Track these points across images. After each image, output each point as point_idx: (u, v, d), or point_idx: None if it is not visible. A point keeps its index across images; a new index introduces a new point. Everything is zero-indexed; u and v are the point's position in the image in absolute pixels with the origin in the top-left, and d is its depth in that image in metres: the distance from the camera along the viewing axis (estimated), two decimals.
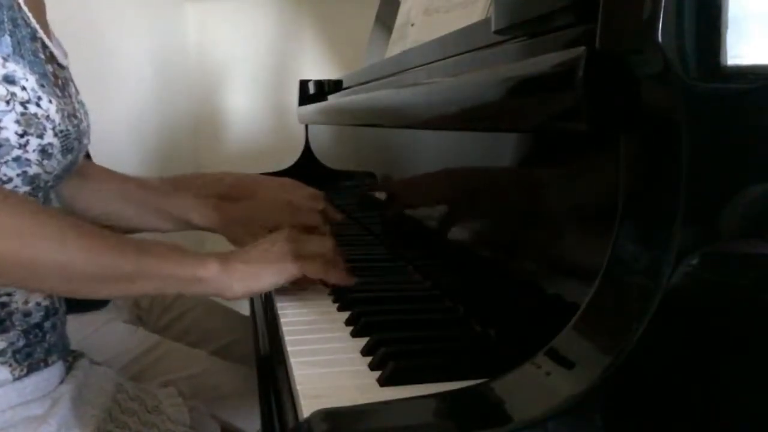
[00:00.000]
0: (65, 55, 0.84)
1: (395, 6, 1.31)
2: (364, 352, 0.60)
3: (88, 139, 0.83)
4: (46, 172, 0.74)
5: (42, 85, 0.72)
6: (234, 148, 2.31)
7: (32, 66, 0.73)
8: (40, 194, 0.77)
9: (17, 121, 0.70)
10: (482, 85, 0.54)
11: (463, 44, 0.71)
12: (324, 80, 1.62)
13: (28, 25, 0.75)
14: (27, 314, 0.76)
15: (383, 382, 0.52)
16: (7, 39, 0.71)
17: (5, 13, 0.72)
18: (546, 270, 0.53)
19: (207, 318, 1.28)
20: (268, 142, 2.28)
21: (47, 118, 0.72)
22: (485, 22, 0.68)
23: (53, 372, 0.79)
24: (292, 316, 0.72)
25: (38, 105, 0.71)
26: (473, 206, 0.69)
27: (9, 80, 0.69)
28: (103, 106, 1.82)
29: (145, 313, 1.25)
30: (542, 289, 0.53)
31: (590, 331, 0.40)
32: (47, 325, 0.79)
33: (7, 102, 0.69)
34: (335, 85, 1.54)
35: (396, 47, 1.21)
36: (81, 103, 0.83)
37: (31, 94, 0.71)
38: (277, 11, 2.26)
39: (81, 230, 0.68)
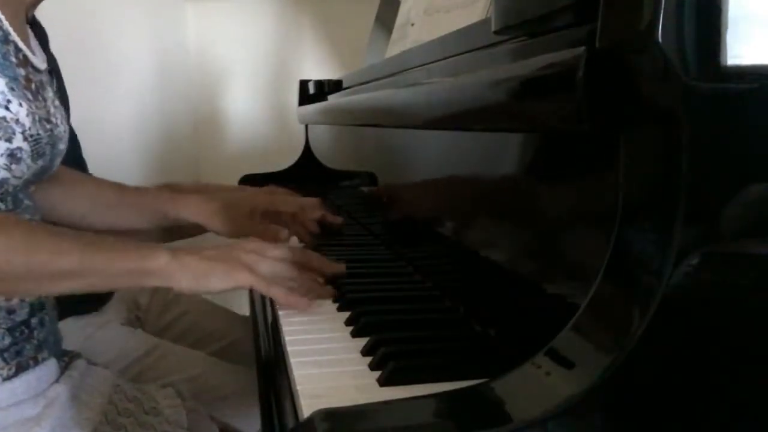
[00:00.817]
0: (44, 59, 0.83)
1: (395, 6, 1.31)
2: (364, 352, 0.60)
3: (65, 144, 0.82)
4: (14, 176, 0.73)
5: (12, 89, 0.72)
6: (234, 148, 2.31)
7: (2, 69, 0.72)
8: (9, 198, 0.76)
9: None
10: (482, 85, 0.54)
11: (463, 44, 0.71)
12: (324, 80, 1.62)
13: (0, 28, 0.74)
14: (11, 311, 0.75)
15: (383, 382, 0.52)
16: None
17: None
18: (546, 270, 0.53)
19: (206, 318, 1.28)
20: (268, 142, 2.28)
21: (16, 121, 0.71)
22: (485, 22, 0.68)
23: (45, 371, 0.78)
24: (292, 316, 0.72)
25: (7, 108, 0.71)
26: (473, 206, 0.69)
27: None
28: (103, 106, 1.82)
29: (144, 313, 1.25)
30: (542, 289, 0.53)
31: (590, 331, 0.40)
32: (34, 321, 0.78)
33: None
34: (335, 85, 1.54)
35: (396, 47, 1.21)
36: (58, 107, 0.82)
37: (0, 97, 0.70)
38: (277, 11, 2.27)
39: (22, 230, 0.67)
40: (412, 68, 0.90)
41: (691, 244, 0.37)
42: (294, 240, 1.04)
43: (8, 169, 0.72)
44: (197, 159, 2.32)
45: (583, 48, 0.40)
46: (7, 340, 0.75)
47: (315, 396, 0.51)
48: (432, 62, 0.80)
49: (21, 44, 0.77)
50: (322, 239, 1.05)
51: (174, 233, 1.05)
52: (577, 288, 0.46)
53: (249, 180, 1.60)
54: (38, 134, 0.74)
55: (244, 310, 1.23)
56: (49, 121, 0.77)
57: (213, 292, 0.71)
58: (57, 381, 0.79)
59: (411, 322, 0.67)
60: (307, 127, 1.68)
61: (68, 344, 0.90)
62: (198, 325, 1.26)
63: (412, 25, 1.14)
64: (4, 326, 0.75)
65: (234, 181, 1.62)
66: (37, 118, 0.74)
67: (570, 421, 0.38)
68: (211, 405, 1.00)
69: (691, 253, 0.37)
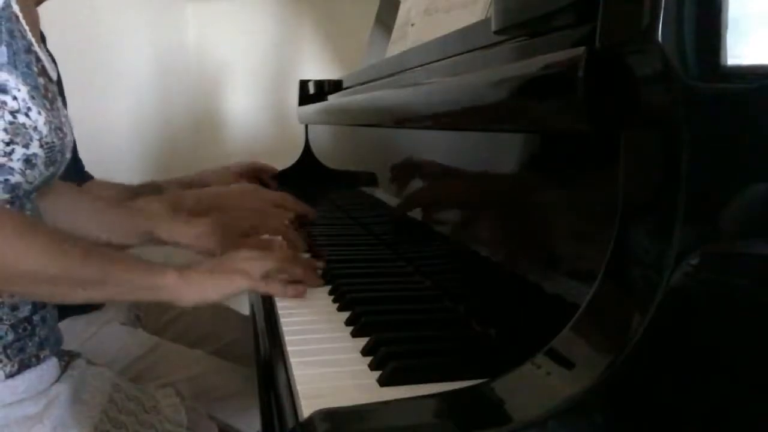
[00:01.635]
0: (54, 69, 0.85)
1: (395, 6, 1.31)
2: (364, 352, 0.60)
3: (71, 153, 0.84)
4: (27, 181, 0.76)
5: (33, 97, 0.74)
6: (234, 148, 2.31)
7: (25, 77, 0.74)
8: (16, 202, 0.78)
9: (5, 129, 0.71)
10: (482, 85, 0.54)
11: (463, 44, 0.71)
12: (324, 80, 1.62)
13: (24, 37, 0.77)
14: (14, 308, 0.77)
15: (383, 382, 0.52)
16: (3, 49, 0.73)
17: (3, 24, 0.73)
18: (546, 270, 0.53)
19: (206, 318, 1.28)
20: (268, 142, 2.28)
21: (35, 129, 0.73)
22: (485, 22, 0.68)
23: (46, 370, 0.79)
24: (292, 316, 0.72)
25: (27, 115, 0.73)
26: (473, 206, 0.69)
27: (1, 89, 0.71)
28: (103, 106, 1.83)
29: (144, 313, 1.25)
30: (542, 289, 0.53)
31: (590, 331, 0.40)
32: (36, 318, 0.79)
33: None
34: (335, 85, 1.54)
35: (396, 47, 1.21)
36: (66, 117, 0.84)
37: (21, 104, 0.72)
38: (277, 11, 2.26)
39: (54, 236, 0.73)
40: (412, 68, 0.89)
41: (691, 244, 0.37)
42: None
43: (23, 174, 0.74)
44: (197, 159, 2.31)
45: (583, 48, 0.40)
46: (11, 336, 0.76)
47: (315, 396, 0.51)
48: (432, 62, 0.80)
49: (41, 54, 0.80)
50: (323, 240, 1.05)
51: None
52: (577, 288, 0.46)
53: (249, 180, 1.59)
54: (53, 142, 0.76)
55: (245, 309, 1.23)
56: (61, 130, 0.79)
57: (216, 302, 0.79)
58: (58, 380, 0.80)
59: (411, 322, 0.67)
60: (307, 127, 1.68)
61: (68, 344, 0.91)
62: (197, 324, 1.26)
63: (412, 25, 1.14)
64: (7, 322, 0.76)
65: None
66: (53, 126, 0.76)
67: (570, 421, 0.38)
68: (210, 404, 1.00)
69: (691, 253, 0.37)
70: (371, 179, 1.12)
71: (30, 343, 0.78)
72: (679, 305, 0.37)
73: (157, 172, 2.06)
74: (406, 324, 0.66)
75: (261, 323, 0.82)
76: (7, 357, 0.75)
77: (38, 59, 0.80)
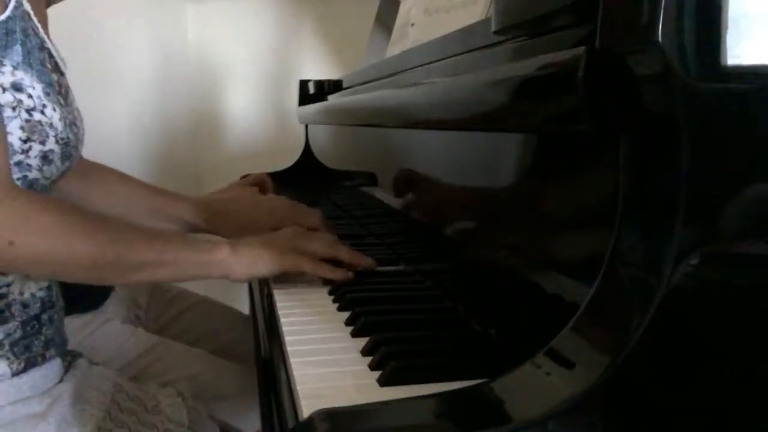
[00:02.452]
0: (64, 63, 0.86)
1: (395, 6, 1.31)
2: (364, 352, 0.59)
3: (83, 145, 0.85)
4: (44, 177, 0.76)
5: (47, 94, 0.75)
6: (234, 148, 2.31)
7: (39, 75, 0.75)
8: None
9: (21, 128, 0.72)
10: (482, 85, 0.54)
11: (463, 44, 0.71)
12: (324, 80, 1.62)
13: (36, 35, 0.78)
14: (25, 305, 0.78)
15: (383, 382, 0.52)
16: (18, 48, 0.74)
17: (17, 23, 0.74)
18: (546, 270, 0.53)
19: (207, 317, 1.28)
20: (268, 142, 2.28)
21: (50, 125, 0.74)
22: (485, 22, 0.68)
23: (51, 369, 0.79)
24: (292, 316, 0.72)
25: (43, 113, 0.74)
26: (473, 206, 0.69)
27: (17, 87, 0.72)
28: (103, 105, 1.82)
29: (144, 312, 1.25)
30: (542, 289, 0.53)
31: (590, 331, 0.40)
32: (44, 317, 0.80)
33: (14, 108, 0.71)
34: (335, 85, 1.54)
35: (396, 47, 1.21)
36: (78, 110, 0.85)
37: (36, 101, 0.73)
38: (277, 11, 2.26)
39: (108, 224, 0.75)
40: (412, 68, 0.89)
41: (691, 244, 0.37)
42: None
43: (40, 170, 0.75)
44: (197, 159, 2.32)
45: (583, 48, 0.40)
46: (19, 333, 0.77)
47: (315, 396, 0.51)
48: (432, 62, 0.80)
49: (54, 51, 0.81)
50: None
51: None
52: (577, 288, 0.46)
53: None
54: (68, 137, 0.77)
55: (245, 309, 1.23)
56: (75, 124, 0.80)
57: (265, 277, 0.80)
58: (62, 380, 0.81)
59: (411, 322, 0.67)
60: (307, 127, 1.68)
61: (68, 340, 0.91)
62: (198, 323, 1.26)
63: (412, 25, 1.14)
64: (18, 319, 0.77)
65: (234, 181, 1.62)
66: (67, 122, 0.77)
67: (570, 421, 0.38)
68: (210, 404, 1.00)
69: (691, 253, 0.37)
70: (371, 179, 1.12)
71: (36, 342, 0.78)
72: (679, 305, 0.37)
73: (157, 172, 2.07)
74: (406, 324, 0.66)
75: (261, 323, 0.82)
76: (14, 355, 0.76)
77: (51, 56, 0.80)
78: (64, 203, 0.75)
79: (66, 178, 0.85)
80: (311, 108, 1.52)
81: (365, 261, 0.83)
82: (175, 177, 2.15)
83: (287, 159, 1.66)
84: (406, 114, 0.78)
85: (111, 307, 1.15)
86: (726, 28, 0.36)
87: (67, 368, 0.83)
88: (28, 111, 0.73)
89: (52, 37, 1.11)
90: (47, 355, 0.79)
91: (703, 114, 0.36)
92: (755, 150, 0.37)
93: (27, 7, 0.77)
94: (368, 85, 1.13)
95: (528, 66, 0.47)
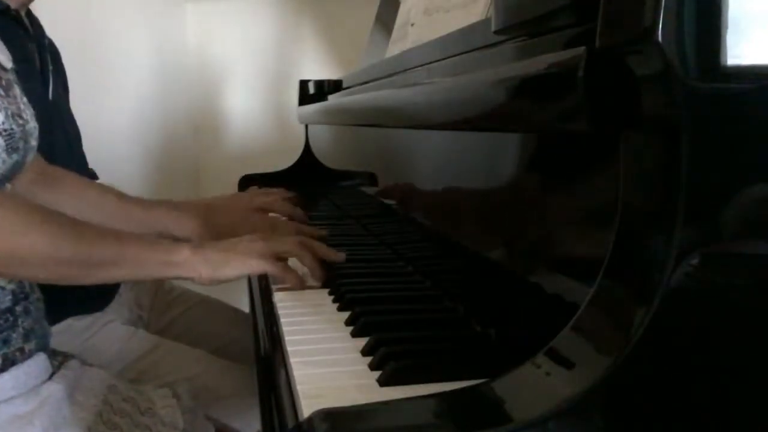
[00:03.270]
0: (9, 59, 0.84)
1: (395, 6, 1.31)
2: (364, 352, 0.59)
3: (36, 140, 0.84)
4: None
5: None
6: (234, 148, 2.31)
7: None
8: None
9: None
10: (482, 85, 0.54)
11: (463, 44, 0.71)
12: (324, 80, 1.62)
13: None
14: None
15: (383, 382, 0.52)
16: None
17: None
18: (546, 270, 0.53)
19: (207, 317, 1.28)
20: (268, 142, 2.28)
21: None
22: (485, 22, 0.68)
23: (34, 366, 0.78)
24: (292, 316, 0.72)
25: None
26: (473, 206, 0.69)
27: None
28: (103, 105, 1.82)
29: (147, 313, 1.25)
30: (542, 289, 0.53)
31: (590, 331, 0.40)
32: (18, 309, 0.78)
33: None
34: (335, 85, 1.54)
35: (396, 47, 1.21)
36: (27, 104, 0.84)
37: None
38: (277, 11, 2.26)
39: (66, 220, 0.74)
40: (412, 68, 0.89)
41: (691, 244, 0.37)
42: None
43: None
44: (197, 159, 2.32)
45: (583, 48, 0.40)
46: None
47: (315, 396, 0.51)
48: (432, 62, 0.80)
49: None
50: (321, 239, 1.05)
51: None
52: (577, 288, 0.46)
53: (249, 180, 1.59)
54: (12, 129, 0.76)
55: (245, 308, 1.23)
56: (20, 116, 0.79)
57: (230, 280, 0.79)
58: (50, 379, 0.79)
59: (411, 322, 0.67)
60: (307, 127, 1.68)
61: (70, 344, 0.90)
62: (199, 322, 1.26)
63: (412, 25, 1.14)
64: None
65: (234, 181, 1.62)
66: (9, 113, 0.76)
67: (570, 421, 0.38)
68: (210, 404, 1.00)
69: (691, 253, 0.37)
70: (371, 179, 1.12)
71: (14, 335, 0.77)
72: (679, 305, 0.37)
73: (157, 172, 2.07)
74: (406, 324, 0.66)
75: (261, 323, 0.82)
76: None
77: None
78: (19, 198, 0.74)
79: (34, 186, 0.84)
80: (311, 108, 1.52)
81: (336, 256, 0.84)
82: (175, 177, 2.15)
83: (287, 159, 1.66)
84: (406, 114, 0.78)
85: (114, 309, 1.15)
86: (726, 28, 0.36)
87: (57, 368, 0.82)
88: None
89: (51, 37, 1.10)
90: (27, 348, 0.78)
91: (703, 114, 0.36)
92: (755, 150, 0.37)
93: None
94: (368, 85, 1.13)
95: (528, 66, 0.47)
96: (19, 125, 0.77)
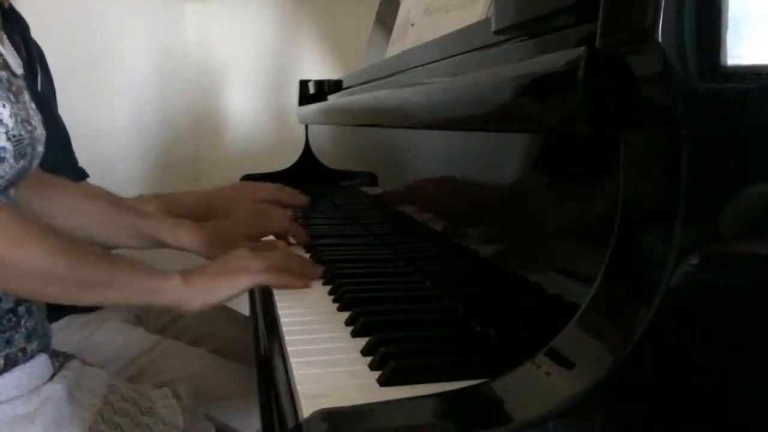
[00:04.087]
0: (19, 65, 0.85)
1: (395, 6, 1.31)
2: (364, 352, 0.60)
3: (42, 146, 0.84)
4: None
5: None
6: (234, 148, 2.31)
7: None
8: None
9: None
10: (482, 85, 0.54)
11: (463, 44, 0.71)
12: (324, 80, 1.62)
13: None
14: None
15: (383, 382, 0.52)
16: None
17: None
18: (546, 270, 0.53)
19: (207, 317, 1.27)
20: (268, 142, 2.28)
21: (0, 122, 0.73)
22: (485, 22, 0.68)
23: (36, 367, 0.78)
24: (292, 316, 0.72)
25: None
26: (473, 206, 0.69)
27: None
28: (103, 106, 1.83)
29: (145, 312, 1.25)
30: (542, 289, 0.53)
31: (590, 331, 0.40)
32: (21, 310, 0.79)
33: None
34: (335, 85, 1.54)
35: (396, 47, 1.21)
36: (35, 110, 0.84)
37: None
38: (277, 11, 2.26)
39: (62, 237, 0.74)
40: (412, 68, 0.89)
41: (691, 244, 0.37)
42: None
43: None
44: (197, 159, 2.32)
45: (583, 48, 0.40)
46: None
47: (315, 396, 0.51)
48: (432, 62, 0.80)
49: (2, 48, 0.80)
50: (323, 240, 1.05)
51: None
52: (577, 288, 0.46)
53: (249, 180, 1.59)
54: (20, 135, 0.76)
55: (245, 309, 1.23)
56: (29, 122, 0.79)
57: (223, 303, 0.80)
58: (51, 380, 0.80)
59: (411, 322, 0.67)
60: (307, 127, 1.68)
61: (68, 342, 0.90)
62: (198, 323, 1.26)
63: (412, 25, 1.14)
64: None
65: (234, 180, 1.62)
66: (19, 119, 0.76)
67: (570, 421, 0.38)
68: (209, 403, 1.00)
69: (691, 253, 0.37)
70: (371, 179, 1.12)
71: (17, 335, 0.77)
72: (679, 305, 0.37)
73: (157, 172, 2.07)
74: (406, 324, 0.66)
75: (261, 323, 0.82)
76: None
77: None
78: (16, 211, 0.74)
79: (25, 190, 0.84)
80: (311, 108, 1.52)
81: (315, 273, 0.85)
82: (175, 177, 2.15)
83: (287, 159, 1.66)
84: (406, 114, 0.78)
85: (112, 307, 1.15)
86: (726, 28, 0.36)
87: (58, 369, 0.82)
88: None
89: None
90: (29, 349, 0.78)
91: (703, 114, 0.36)
92: (755, 150, 0.37)
93: None
94: (368, 85, 1.13)
95: (528, 66, 0.47)
96: (27, 131, 0.77)
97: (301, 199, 1.19)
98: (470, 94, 0.57)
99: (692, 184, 0.36)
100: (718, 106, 0.36)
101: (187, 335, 1.22)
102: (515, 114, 0.50)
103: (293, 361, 0.59)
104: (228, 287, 0.79)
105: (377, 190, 1.09)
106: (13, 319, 0.77)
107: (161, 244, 1.00)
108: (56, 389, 0.78)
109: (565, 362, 0.40)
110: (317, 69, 2.23)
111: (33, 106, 0.84)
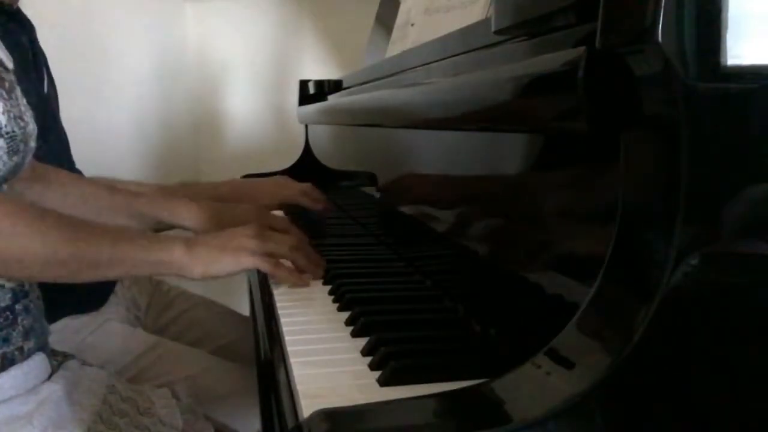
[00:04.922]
0: (10, 59, 0.84)
1: (395, 6, 1.31)
2: (364, 352, 0.60)
3: (35, 141, 0.84)
4: None
5: None
6: (234, 148, 2.31)
7: None
8: None
9: None
10: (482, 85, 0.54)
11: (463, 44, 0.71)
12: (324, 80, 1.62)
13: None
14: None
15: (383, 382, 0.52)
16: None
17: None
18: (546, 270, 0.53)
19: (206, 318, 1.28)
20: (268, 142, 2.28)
21: None
22: (485, 22, 0.68)
23: (33, 366, 0.78)
24: (292, 316, 0.72)
25: None
26: (473, 206, 0.69)
27: None
28: (103, 106, 1.82)
29: (144, 313, 1.25)
30: (542, 289, 0.53)
31: (590, 331, 0.40)
32: (18, 307, 0.78)
33: None
34: (335, 85, 1.54)
35: (396, 47, 1.21)
36: (27, 107, 0.84)
37: None
38: (277, 11, 2.26)
39: (61, 219, 0.75)
40: (412, 68, 0.90)
41: (691, 244, 0.37)
42: None
43: None
44: (197, 159, 2.32)
45: (583, 48, 0.40)
46: None
47: (315, 396, 0.51)
48: (432, 62, 0.80)
49: None
50: (320, 238, 1.05)
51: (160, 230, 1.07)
52: (577, 288, 0.46)
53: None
54: (13, 131, 0.76)
55: (245, 309, 1.23)
56: (22, 119, 0.79)
57: (222, 277, 0.79)
58: (49, 379, 0.79)
59: (411, 322, 0.67)
60: (307, 127, 1.68)
61: (67, 343, 0.90)
62: (198, 323, 1.26)
63: (412, 25, 1.14)
64: None
65: None
66: (12, 115, 0.76)
67: (570, 421, 0.38)
68: (209, 404, 1.00)
69: (691, 253, 0.37)
70: (371, 179, 1.12)
71: (14, 333, 0.76)
72: (679, 305, 0.37)
73: (158, 172, 2.06)
74: (406, 324, 0.66)
75: (261, 323, 0.82)
76: None
77: None
78: (15, 200, 0.75)
79: (21, 182, 0.84)
80: (311, 108, 1.52)
81: (317, 271, 0.85)
82: (175, 177, 2.14)
83: (287, 159, 1.66)
84: (406, 114, 0.78)
85: (111, 308, 1.15)
86: (726, 28, 0.36)
87: (57, 368, 0.82)
88: None
89: (52, 37, 1.10)
90: (26, 347, 0.77)
91: (703, 114, 0.36)
92: (755, 150, 0.37)
93: None
94: (368, 85, 1.13)
95: (528, 66, 0.47)
96: (20, 127, 0.77)
97: (325, 204, 1.21)
98: (470, 94, 0.57)
99: (692, 184, 0.36)
100: (718, 106, 0.36)
101: (187, 336, 1.22)
102: (515, 114, 0.50)
103: (293, 361, 0.59)
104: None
105: (377, 191, 1.09)
106: (10, 316, 0.77)
107: (159, 223, 1.01)
108: (54, 389, 0.78)
109: (565, 362, 0.40)
110: (317, 69, 2.23)
111: (24, 101, 0.84)
